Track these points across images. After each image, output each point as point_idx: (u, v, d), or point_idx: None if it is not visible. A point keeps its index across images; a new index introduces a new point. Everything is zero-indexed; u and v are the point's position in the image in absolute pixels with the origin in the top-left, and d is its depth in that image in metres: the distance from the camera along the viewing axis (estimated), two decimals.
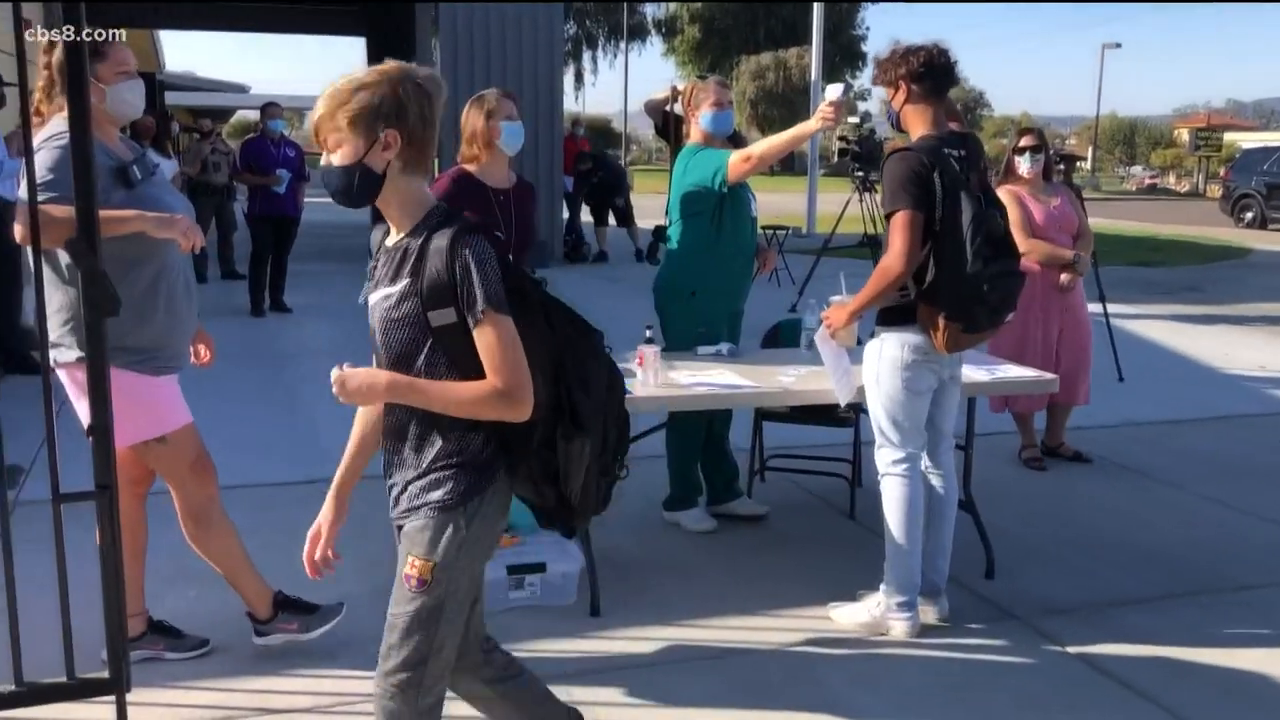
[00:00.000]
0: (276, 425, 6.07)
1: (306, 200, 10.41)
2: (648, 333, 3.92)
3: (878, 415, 3.60)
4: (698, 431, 4.60)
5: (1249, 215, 23.05)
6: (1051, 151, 5.61)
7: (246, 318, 9.54)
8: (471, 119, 4.12)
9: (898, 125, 3.58)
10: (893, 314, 3.51)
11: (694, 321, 4.43)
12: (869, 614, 3.65)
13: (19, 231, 2.83)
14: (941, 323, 3.38)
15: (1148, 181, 54.11)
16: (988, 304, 3.37)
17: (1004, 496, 5.01)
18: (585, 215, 14.86)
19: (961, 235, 3.30)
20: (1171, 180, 57.08)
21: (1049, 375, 4.24)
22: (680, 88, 4.82)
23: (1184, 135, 70.71)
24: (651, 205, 14.49)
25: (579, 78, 59.11)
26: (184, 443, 3.24)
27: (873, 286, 3.44)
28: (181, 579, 3.74)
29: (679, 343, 4.42)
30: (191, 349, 3.36)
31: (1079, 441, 5.81)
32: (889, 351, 3.52)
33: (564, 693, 3.20)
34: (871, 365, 3.58)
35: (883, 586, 3.64)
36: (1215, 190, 42.62)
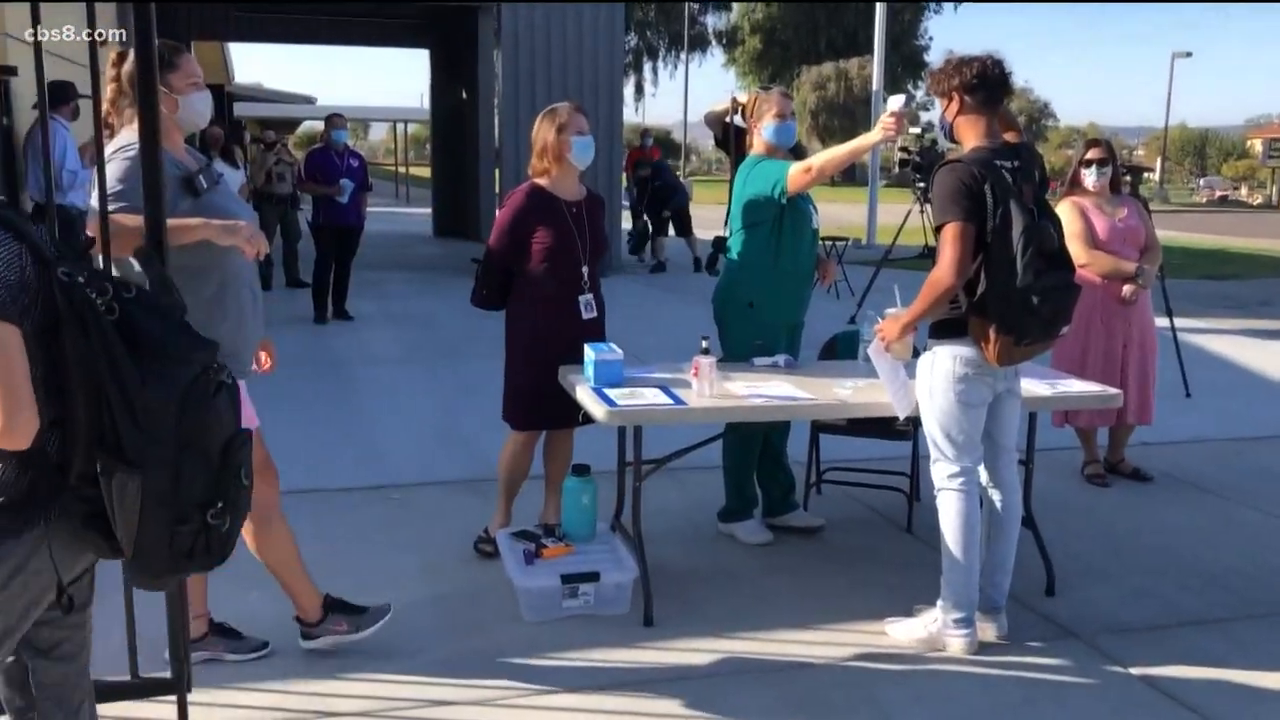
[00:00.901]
0: (337, 431, 6.15)
1: (376, 210, 10.55)
2: (703, 343, 3.92)
3: (932, 429, 3.56)
4: (754, 443, 4.59)
5: None
6: (1119, 163, 5.50)
7: (310, 325, 9.68)
8: (543, 132, 4.16)
9: (951, 136, 3.56)
10: (945, 327, 3.48)
11: (752, 333, 4.42)
12: (926, 630, 3.61)
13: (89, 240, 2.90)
14: (992, 335, 3.35)
15: (1218, 194, 52.98)
16: (1039, 316, 3.33)
17: (1065, 512, 4.92)
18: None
19: (1012, 248, 3.27)
20: (1244, 192, 55.83)
21: (1113, 390, 4.16)
22: (741, 99, 4.80)
23: (1257, 146, 69.19)
24: (711, 216, 14.48)
25: (639, 89, 59.27)
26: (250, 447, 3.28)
27: (923, 299, 3.42)
28: (241, 581, 3.78)
29: (736, 354, 4.41)
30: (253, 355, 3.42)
31: (1145, 458, 5.69)
32: (941, 365, 3.49)
33: (619, 703, 3.22)
34: (924, 379, 3.56)
35: (940, 602, 3.60)
36: None
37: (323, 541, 4.27)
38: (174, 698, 2.83)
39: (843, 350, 4.89)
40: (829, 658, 3.54)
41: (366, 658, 3.43)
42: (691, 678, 3.40)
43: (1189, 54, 48.11)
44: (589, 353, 3.93)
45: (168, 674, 2.86)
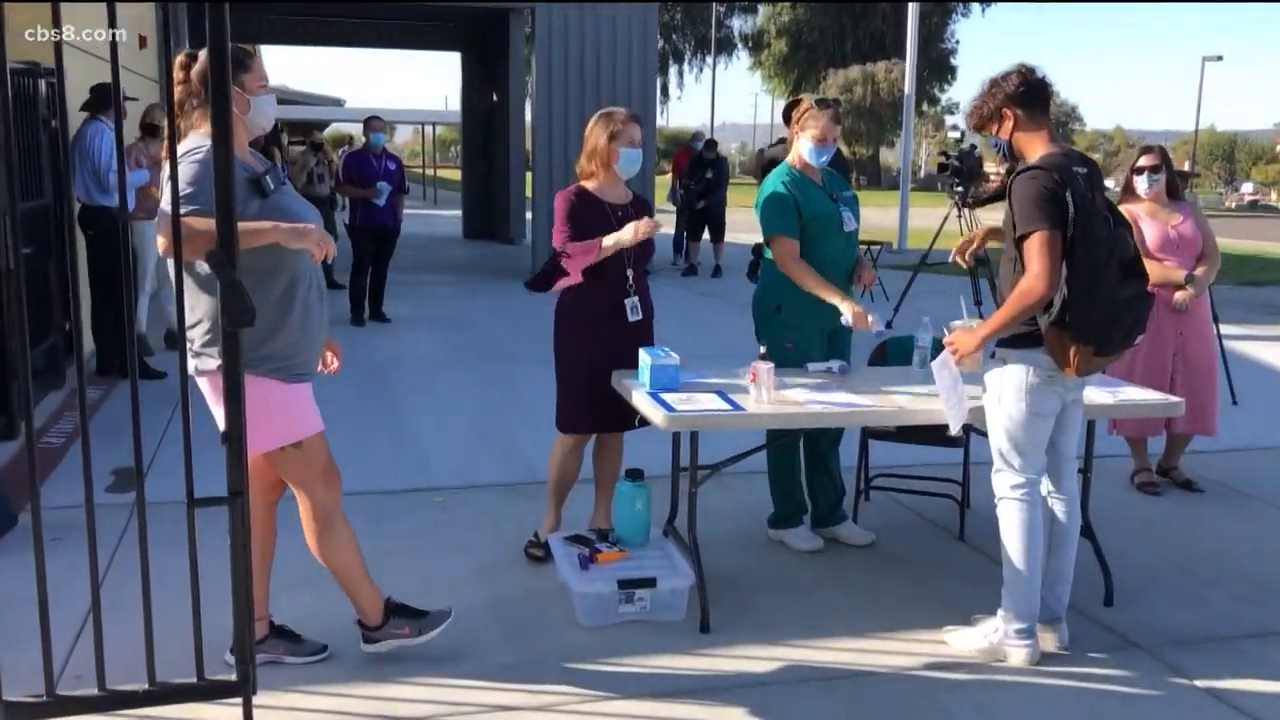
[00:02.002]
0: (379, 434, 6.16)
1: (405, 212, 10.58)
2: (761, 349, 3.90)
3: (998, 439, 3.52)
4: (796, 449, 4.56)
5: None
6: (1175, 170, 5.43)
7: (347, 327, 9.70)
8: (595, 135, 4.16)
9: (1012, 155, 3.51)
10: (1018, 337, 3.42)
11: (783, 336, 4.39)
12: (986, 639, 3.57)
13: (161, 244, 2.91)
14: (1073, 346, 3.29)
15: (1248, 198, 52.51)
16: (1121, 326, 3.29)
17: (1119, 521, 4.87)
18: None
19: (1095, 256, 3.22)
20: (1274, 197, 55.32)
21: (1175, 399, 4.12)
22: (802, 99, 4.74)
23: None
24: (740, 220, 14.45)
25: (664, 92, 59.32)
26: (316, 449, 3.29)
27: (1011, 309, 3.33)
28: (299, 584, 3.80)
29: (771, 358, 4.38)
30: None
31: (1195, 465, 5.63)
32: (1013, 375, 3.44)
33: (681, 710, 3.20)
34: (994, 388, 3.51)
35: (1000, 612, 3.56)
36: None
37: (372, 544, 4.25)
38: (239, 700, 2.83)
39: (893, 355, 4.86)
40: (890, 667, 3.51)
41: (427, 661, 3.43)
42: (752, 685, 3.37)
43: (1220, 57, 47.66)
44: (644, 357, 3.92)
45: (231, 676, 2.86)
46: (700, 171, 14.20)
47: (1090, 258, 3.24)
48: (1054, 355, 3.36)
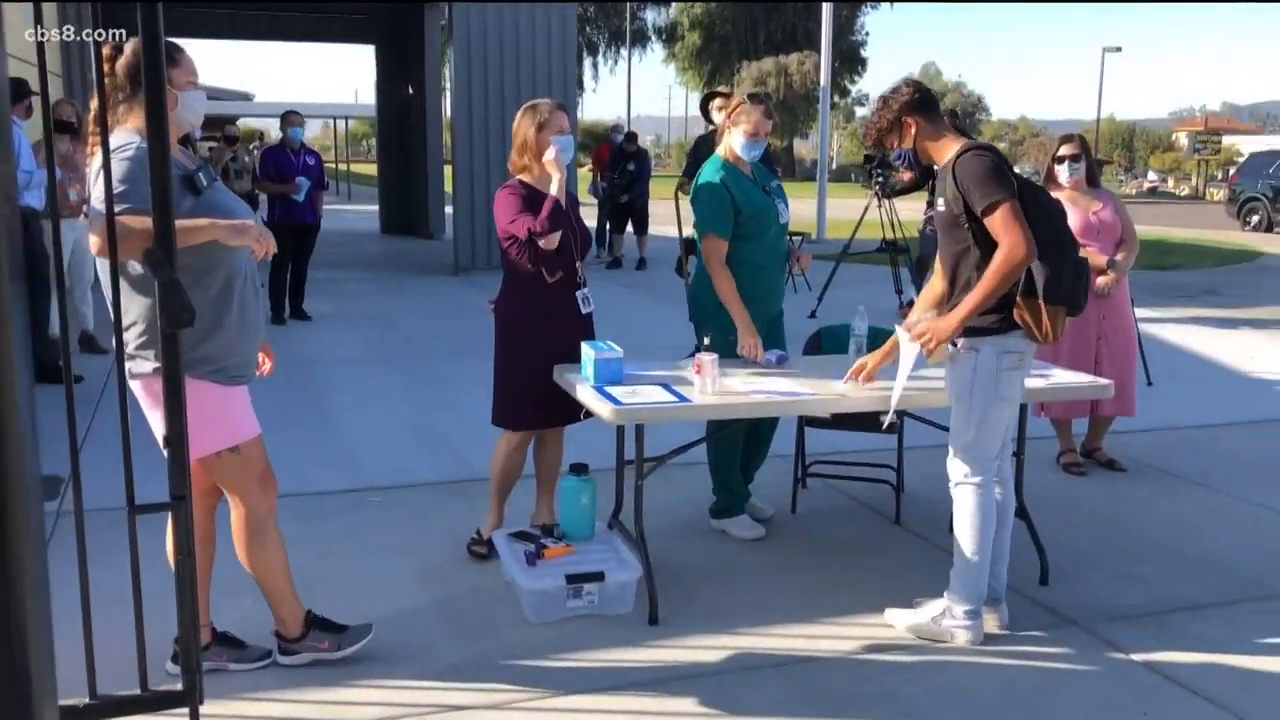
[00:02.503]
0: (309, 434, 6.05)
1: (325, 208, 10.41)
2: (705, 340, 3.91)
3: (965, 430, 3.55)
4: (737, 440, 4.59)
5: (1255, 219, 23.08)
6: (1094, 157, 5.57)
7: (268, 326, 9.50)
8: (524, 128, 4.11)
9: (918, 163, 3.65)
10: (984, 326, 3.46)
11: (726, 328, 4.41)
12: (934, 622, 3.63)
13: (95, 243, 2.81)
14: (1045, 310, 3.36)
15: (1148, 185, 54.16)
16: (1084, 283, 3.46)
17: (1048, 502, 4.98)
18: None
19: (1054, 219, 3.39)
20: (1171, 184, 57.14)
21: (1104, 381, 4.23)
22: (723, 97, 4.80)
23: (1182, 139, 70.85)
24: (662, 212, 14.49)
25: (580, 84, 59.16)
26: (254, 454, 3.22)
27: (995, 281, 3.34)
28: (239, 590, 3.71)
29: (715, 351, 4.40)
30: None
31: (1115, 446, 5.79)
32: (986, 362, 3.48)
33: (635, 703, 3.20)
34: (964, 378, 3.52)
35: (948, 595, 3.62)
36: (1215, 193, 42.70)
37: (310, 546, 4.20)
38: (185, 711, 2.75)
39: (827, 345, 4.91)
40: (836, 651, 3.55)
41: (375, 664, 3.38)
42: (704, 675, 3.38)
43: (1119, 49, 49.00)
44: (588, 351, 3.90)
45: (176, 686, 2.78)
46: (621, 164, 14.20)
47: (1049, 221, 3.38)
48: (1029, 326, 3.41)
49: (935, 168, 3.67)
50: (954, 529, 3.61)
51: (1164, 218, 27.31)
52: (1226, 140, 55.51)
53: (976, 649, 3.56)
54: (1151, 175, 58.59)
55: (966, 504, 3.57)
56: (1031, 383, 4.02)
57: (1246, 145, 46.06)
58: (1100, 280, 5.31)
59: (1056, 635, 3.68)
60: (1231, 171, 30.02)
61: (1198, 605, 3.93)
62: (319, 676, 3.32)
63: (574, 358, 4.03)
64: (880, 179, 10.29)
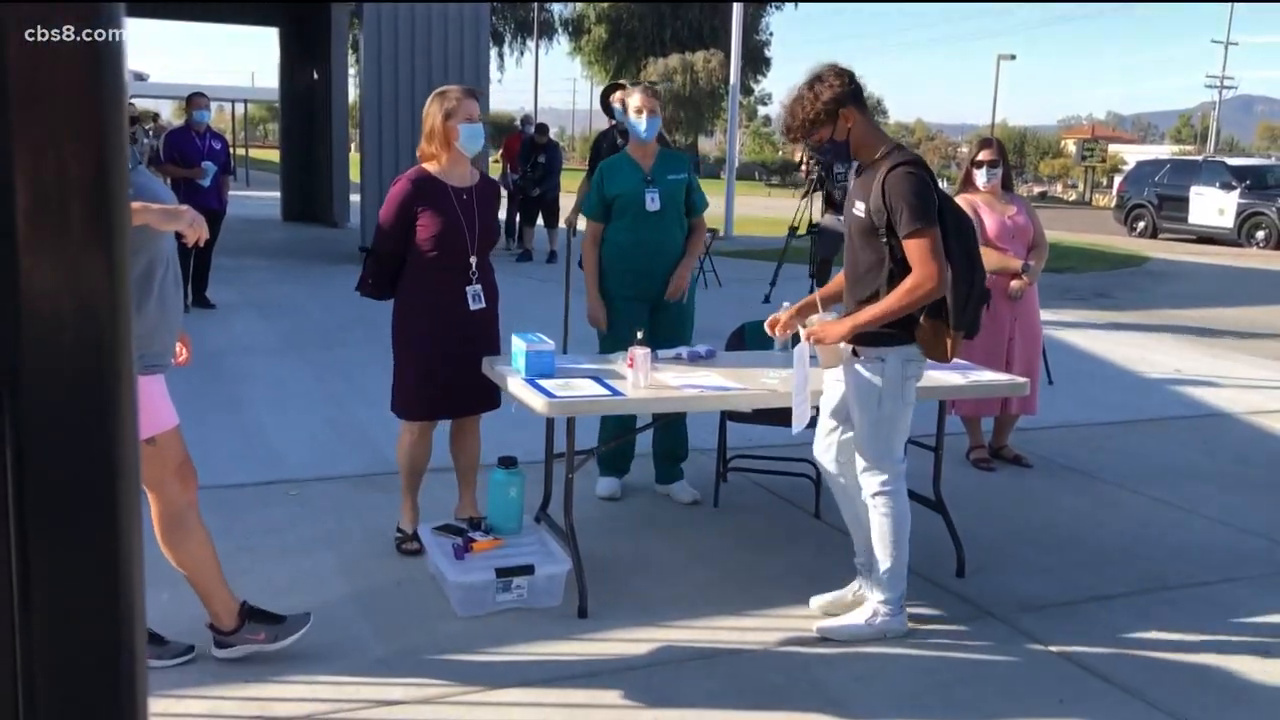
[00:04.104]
0: (220, 426, 5.89)
1: (230, 194, 10.15)
2: (639, 335, 3.93)
3: (873, 439, 3.52)
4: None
5: (1141, 225, 23.96)
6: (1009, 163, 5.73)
7: None
8: (432, 115, 4.05)
9: (846, 155, 3.49)
10: (887, 334, 3.42)
11: (613, 319, 4.74)
12: (869, 625, 3.61)
13: None
14: (949, 332, 3.38)
15: (1037, 190, 55.95)
16: (983, 306, 3.46)
17: (959, 497, 5.10)
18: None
19: (969, 246, 3.38)
20: (1059, 189, 59.10)
21: (1021, 379, 4.36)
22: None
23: (1070, 146, 73.30)
24: (570, 205, 14.46)
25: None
26: (171, 446, 3.14)
27: (900, 303, 3.32)
28: (155, 583, 3.59)
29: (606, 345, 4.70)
30: None
31: (1020, 443, 5.97)
32: (893, 370, 3.45)
33: (561, 696, 3.20)
34: (871, 387, 3.47)
35: (880, 596, 3.62)
36: (1101, 199, 44.27)
37: (228, 540, 4.09)
38: None
39: (750, 340, 4.97)
40: (764, 643, 3.60)
41: (300, 660, 3.31)
42: (634, 668, 3.40)
43: (1013, 56, 50.42)
44: (518, 343, 3.89)
45: None
46: (533, 156, 14.12)
47: (965, 249, 3.38)
48: (928, 346, 3.43)
49: (853, 165, 3.63)
50: (874, 535, 3.60)
51: (1055, 222, 28.20)
52: (1112, 148, 57.66)
53: (898, 640, 3.64)
54: (1039, 181, 60.53)
55: (889, 511, 3.56)
56: (951, 379, 4.12)
57: (1131, 154, 47.88)
58: (1014, 284, 5.46)
59: (975, 627, 3.78)
60: (1118, 179, 31.15)
61: (1106, 596, 4.08)
62: (245, 672, 3.24)
63: (462, 353, 4.06)
64: (821, 170, 9.97)
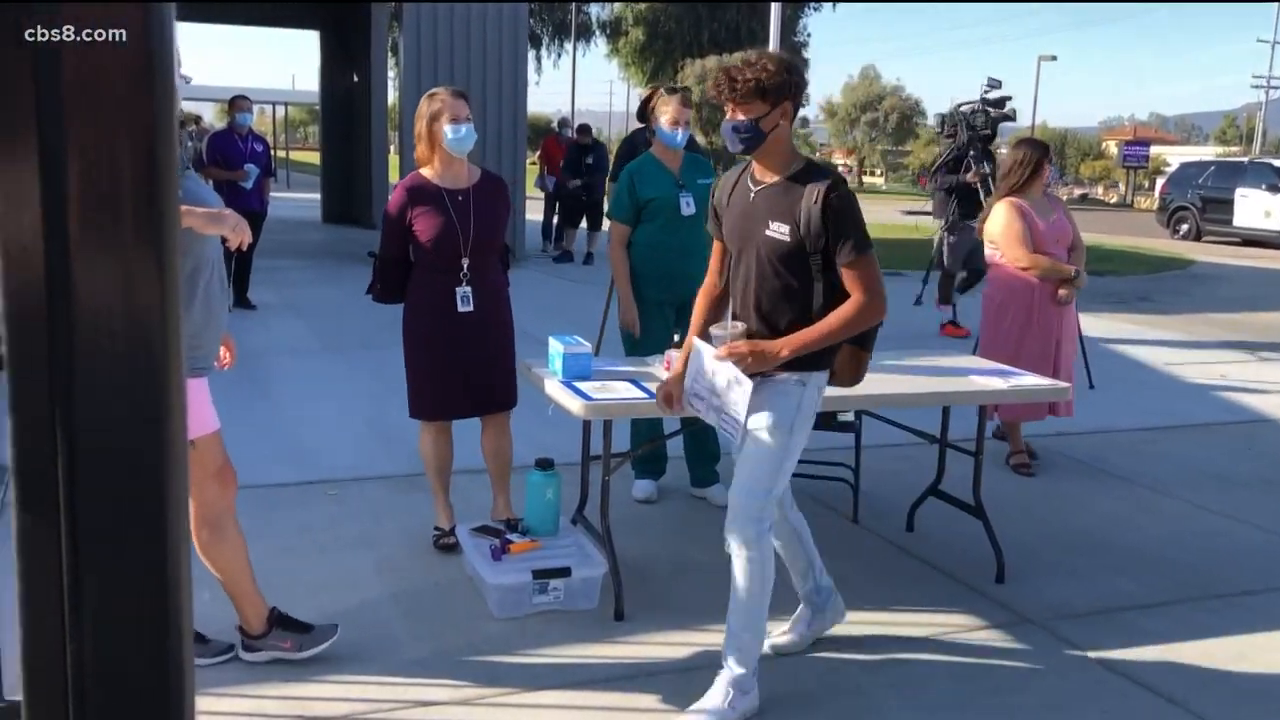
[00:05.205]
0: (258, 426, 5.95)
1: (271, 196, 10.25)
2: (675, 337, 3.92)
3: (771, 470, 3.11)
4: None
5: (1184, 227, 23.64)
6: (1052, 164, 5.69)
7: None
8: (420, 118, 4.10)
9: (749, 151, 3.10)
10: (809, 358, 3.10)
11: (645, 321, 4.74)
12: (730, 708, 3.09)
13: None
14: (861, 355, 3.25)
15: (1078, 192, 55.36)
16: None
17: (999, 502, 5.05)
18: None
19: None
20: (1100, 191, 58.45)
21: (1063, 384, 4.32)
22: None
23: (1112, 147, 72.46)
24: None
25: None
26: (211, 449, 3.17)
27: (841, 331, 3.04)
28: (196, 583, 3.64)
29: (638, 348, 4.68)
30: None
31: (1060, 447, 5.93)
32: (810, 397, 3.15)
33: (597, 698, 3.20)
34: (787, 413, 3.10)
35: (741, 671, 3.13)
36: (1143, 201, 43.72)
37: (267, 540, 4.13)
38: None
39: None
40: (802, 648, 3.58)
41: (340, 660, 3.34)
42: (670, 671, 3.40)
43: (1054, 57, 49.97)
44: (555, 345, 3.90)
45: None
46: (582, 158, 14.10)
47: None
48: (843, 371, 3.26)
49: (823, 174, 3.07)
50: (740, 592, 3.16)
51: (1096, 224, 27.91)
52: (1154, 150, 56.96)
53: (935, 644, 3.61)
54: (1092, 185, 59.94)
55: (758, 560, 3.13)
56: (992, 384, 4.09)
57: (1174, 155, 47.25)
58: (1063, 291, 5.43)
59: (1013, 633, 3.75)
60: (1160, 181, 30.74)
61: (1148, 603, 4.03)
62: (284, 672, 3.27)
63: (456, 356, 4.11)
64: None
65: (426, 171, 4.11)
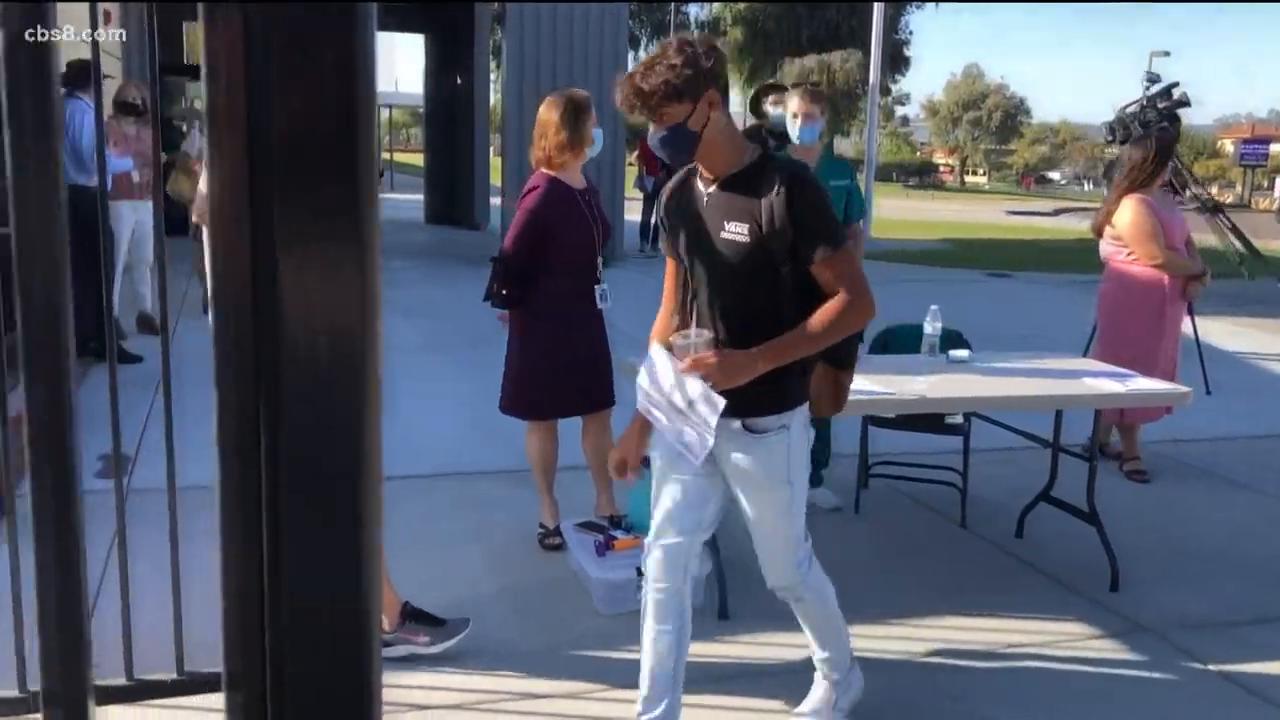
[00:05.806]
0: None
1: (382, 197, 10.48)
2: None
3: (787, 520, 2.89)
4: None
5: None
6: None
7: None
8: (567, 120, 4.10)
9: (691, 155, 2.72)
10: (775, 397, 2.76)
11: None
12: (841, 712, 3.12)
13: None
14: (841, 377, 2.93)
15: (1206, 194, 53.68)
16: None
17: (1113, 509, 4.92)
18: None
19: None
20: (1214, 191, 56.49)
21: (1184, 389, 4.19)
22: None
23: (1228, 146, 69.96)
24: None
25: None
26: None
27: (829, 336, 2.69)
28: None
29: None
30: None
31: (1175, 454, 5.77)
32: (798, 438, 2.81)
33: (704, 698, 3.21)
34: (778, 464, 2.79)
35: (836, 682, 3.13)
36: (1262, 202, 42.11)
37: (385, 534, 4.23)
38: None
39: (895, 343, 4.90)
40: (905, 653, 3.55)
41: (449, 654, 3.40)
42: (774, 672, 3.39)
43: (1167, 53, 48.33)
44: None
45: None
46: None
47: None
48: (823, 396, 2.92)
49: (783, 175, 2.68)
50: (816, 624, 3.07)
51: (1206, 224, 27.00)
52: (1274, 148, 54.79)
53: (1048, 654, 3.54)
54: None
55: (814, 598, 3.02)
56: (1110, 387, 3.99)
57: None
58: (1192, 287, 5.33)
59: (1128, 641, 3.66)
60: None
61: (1270, 617, 3.89)
62: (394, 661, 3.34)
63: (593, 352, 4.17)
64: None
65: (558, 174, 4.16)
